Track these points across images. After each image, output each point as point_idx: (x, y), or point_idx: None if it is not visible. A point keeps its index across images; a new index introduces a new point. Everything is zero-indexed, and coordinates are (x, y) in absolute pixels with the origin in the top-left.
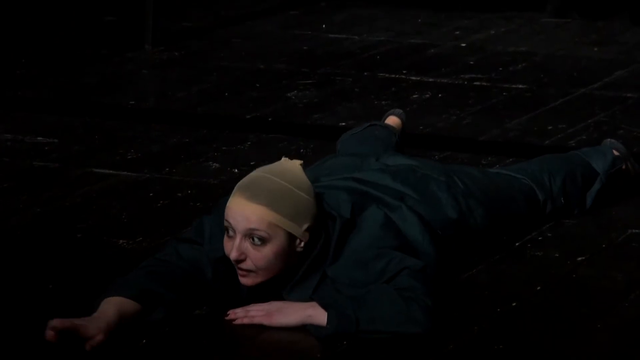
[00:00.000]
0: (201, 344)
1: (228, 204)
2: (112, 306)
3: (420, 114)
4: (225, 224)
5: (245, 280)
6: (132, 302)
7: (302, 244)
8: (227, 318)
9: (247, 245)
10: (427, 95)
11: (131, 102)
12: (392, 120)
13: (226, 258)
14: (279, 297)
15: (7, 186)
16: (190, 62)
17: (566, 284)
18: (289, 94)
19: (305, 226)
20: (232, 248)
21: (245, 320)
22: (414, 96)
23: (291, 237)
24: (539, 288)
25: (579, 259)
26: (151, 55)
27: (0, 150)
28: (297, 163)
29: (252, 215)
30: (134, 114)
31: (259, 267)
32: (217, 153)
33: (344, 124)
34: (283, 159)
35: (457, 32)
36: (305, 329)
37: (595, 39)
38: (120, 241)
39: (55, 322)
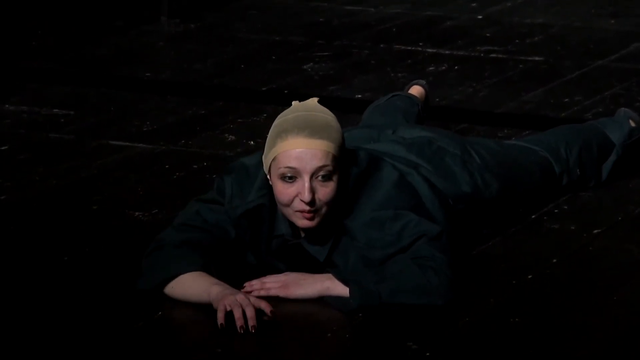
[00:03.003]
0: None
1: (283, 148)
2: (208, 276)
3: (436, 86)
4: (285, 170)
5: (308, 223)
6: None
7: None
8: (242, 290)
9: (315, 184)
10: (444, 68)
11: (147, 74)
12: (416, 89)
13: (247, 215)
14: (300, 249)
15: (23, 158)
16: (206, 34)
17: (582, 257)
18: (305, 66)
19: (345, 152)
20: (305, 191)
21: (262, 292)
22: (430, 68)
23: (342, 168)
24: (554, 261)
25: (595, 231)
26: (167, 27)
27: (16, 122)
28: (315, 100)
29: (319, 152)
30: (149, 86)
31: (326, 203)
32: (233, 125)
33: (359, 96)
34: (307, 100)
35: (474, 4)
36: (319, 301)
37: (611, 10)
38: (136, 213)
39: (252, 312)
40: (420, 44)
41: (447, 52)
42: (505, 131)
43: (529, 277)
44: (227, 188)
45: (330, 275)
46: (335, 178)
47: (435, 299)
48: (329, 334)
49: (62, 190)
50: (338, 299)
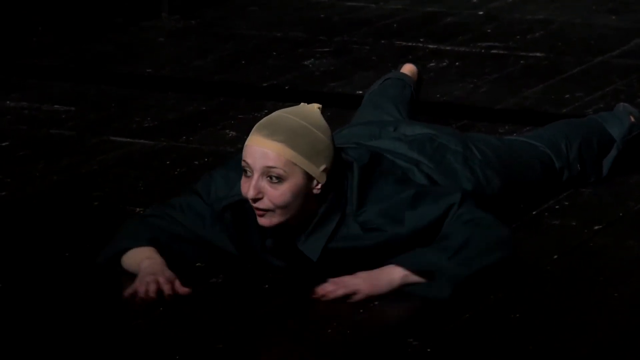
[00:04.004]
0: (218, 312)
1: (246, 142)
2: (149, 251)
3: (437, 82)
4: (243, 164)
5: (263, 221)
6: (154, 248)
7: (319, 186)
8: (315, 296)
9: (264, 184)
10: (444, 64)
11: (148, 70)
12: (408, 68)
13: (231, 208)
14: (294, 247)
15: (24, 154)
16: (206, 30)
17: (583, 253)
18: (305, 62)
19: (322, 167)
20: (250, 187)
21: (340, 292)
22: (431, 64)
23: (308, 177)
24: (555, 257)
25: (596, 227)
26: (167, 24)
27: (17, 119)
28: (315, 106)
29: (270, 152)
30: (150, 82)
31: (276, 206)
32: (233, 121)
33: (360, 92)
34: (302, 103)
35: (475, 0)
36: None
37: (612, 6)
38: (137, 209)
39: (154, 288)
40: (421, 40)
41: (447, 48)
42: (506, 127)
43: (530, 273)
44: (213, 182)
45: (395, 266)
46: (290, 183)
47: (506, 251)
48: (330, 330)
49: (62, 186)
50: (424, 288)
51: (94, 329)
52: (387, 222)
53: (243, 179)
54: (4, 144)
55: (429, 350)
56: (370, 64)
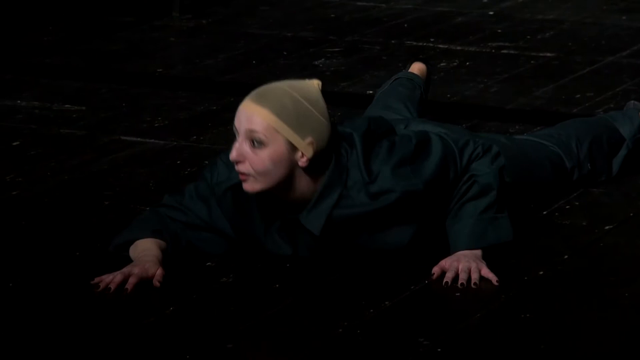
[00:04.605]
0: (228, 311)
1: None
2: (149, 243)
3: (447, 82)
4: (234, 128)
5: (246, 186)
6: (158, 240)
7: (305, 159)
8: (445, 285)
9: (247, 148)
10: (455, 64)
11: (158, 70)
12: (417, 67)
13: (232, 190)
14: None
15: (35, 153)
16: (217, 29)
17: (593, 253)
18: (316, 62)
19: (308, 139)
20: (233, 147)
21: (462, 276)
22: (442, 64)
23: (291, 147)
24: (566, 257)
25: (607, 227)
26: (178, 23)
27: (27, 118)
28: (314, 82)
29: (254, 116)
30: (161, 82)
31: (256, 171)
32: None
33: (371, 92)
34: (305, 79)
35: (485, 0)
36: (330, 296)
37: (623, 6)
38: (148, 208)
39: (118, 279)
40: (432, 39)
41: (458, 47)
42: (517, 127)
43: (540, 273)
44: (216, 168)
45: (464, 251)
46: (271, 150)
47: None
48: (340, 330)
49: (73, 185)
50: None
51: (104, 327)
52: (399, 181)
53: (233, 143)
54: (15, 143)
55: (439, 350)
56: (380, 64)
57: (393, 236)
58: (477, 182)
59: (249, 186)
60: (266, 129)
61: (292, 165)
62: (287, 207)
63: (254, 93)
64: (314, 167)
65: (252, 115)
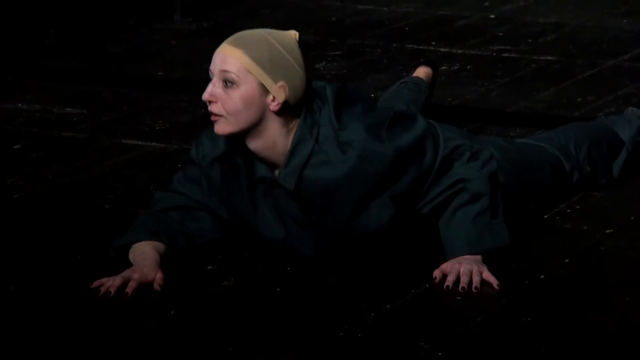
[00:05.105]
0: (229, 315)
1: None
2: (147, 246)
3: (448, 85)
4: (209, 72)
5: (216, 128)
6: (155, 242)
7: (277, 103)
8: (446, 288)
9: (219, 89)
10: (456, 67)
11: (159, 73)
12: (422, 71)
13: (218, 161)
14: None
15: (36, 156)
16: (218, 32)
17: (594, 256)
18: (317, 65)
19: (280, 83)
20: (207, 89)
21: (464, 279)
22: (443, 68)
23: (263, 89)
24: (567, 260)
25: (607, 231)
26: (179, 26)
27: (28, 121)
28: (292, 32)
29: (228, 57)
30: (162, 85)
31: (227, 112)
32: None
33: (372, 95)
34: (293, 31)
35: (486, 4)
36: (331, 300)
37: (624, 10)
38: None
39: (117, 283)
40: (433, 43)
41: (459, 51)
42: (518, 130)
43: (541, 276)
44: (200, 144)
45: (465, 255)
46: (242, 90)
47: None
48: (341, 333)
49: (74, 189)
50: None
51: (105, 330)
52: (369, 137)
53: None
54: (16, 147)
55: (440, 353)
56: (381, 67)
57: (372, 219)
58: (466, 188)
59: (220, 128)
60: (239, 70)
61: (264, 109)
62: (269, 171)
63: (232, 36)
64: (287, 116)
65: (226, 56)
